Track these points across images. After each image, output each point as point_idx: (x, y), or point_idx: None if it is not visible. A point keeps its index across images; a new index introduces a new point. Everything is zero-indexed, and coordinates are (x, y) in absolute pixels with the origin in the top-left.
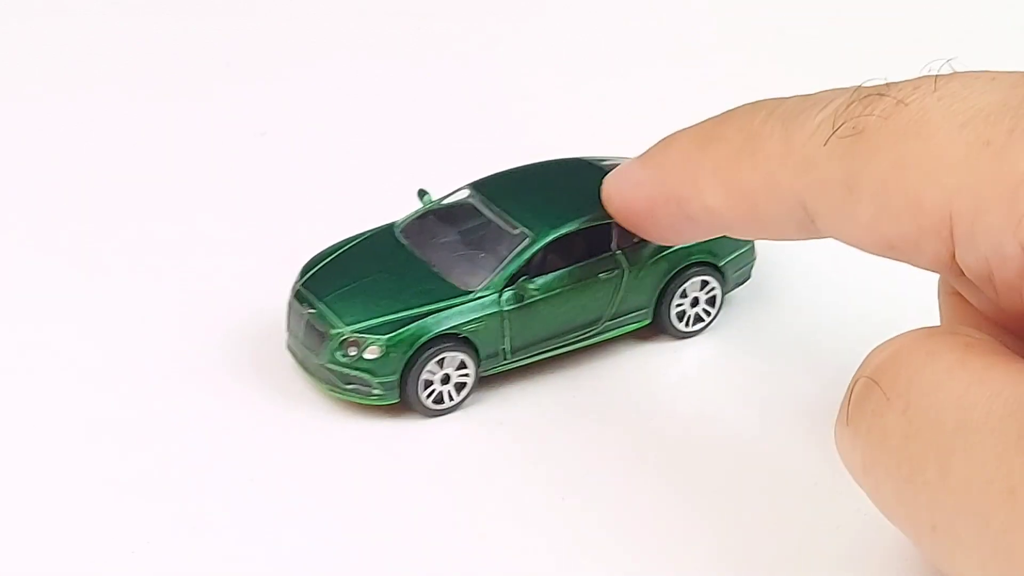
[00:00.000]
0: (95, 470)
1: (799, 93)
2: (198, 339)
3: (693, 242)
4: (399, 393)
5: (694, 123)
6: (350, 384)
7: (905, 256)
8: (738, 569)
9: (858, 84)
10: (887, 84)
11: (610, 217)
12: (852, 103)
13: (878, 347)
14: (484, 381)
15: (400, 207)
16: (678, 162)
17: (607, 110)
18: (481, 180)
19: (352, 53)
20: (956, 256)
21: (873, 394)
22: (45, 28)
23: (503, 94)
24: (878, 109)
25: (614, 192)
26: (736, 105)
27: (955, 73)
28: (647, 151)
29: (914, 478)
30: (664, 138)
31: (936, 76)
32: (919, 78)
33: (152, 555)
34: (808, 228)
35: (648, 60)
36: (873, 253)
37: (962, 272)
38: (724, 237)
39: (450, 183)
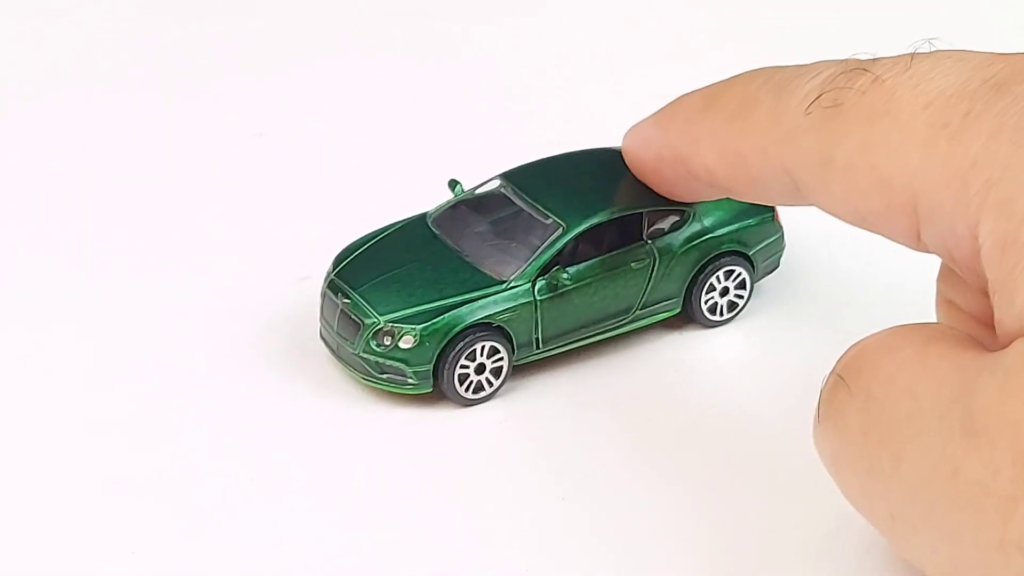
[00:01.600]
0: (96, 470)
1: None
2: (197, 338)
3: (701, 200)
4: (433, 382)
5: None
6: (384, 373)
7: (877, 230)
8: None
9: (848, 56)
10: (872, 59)
11: (641, 206)
12: (838, 75)
13: (851, 346)
14: (515, 371)
15: (399, 206)
16: (683, 122)
17: (607, 110)
18: (512, 170)
19: (350, 53)
20: (920, 235)
21: (840, 391)
22: (44, 28)
23: (502, 94)
24: (858, 84)
25: (629, 147)
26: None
27: (931, 52)
28: (660, 109)
29: (872, 469)
30: (677, 97)
31: (913, 54)
32: (899, 56)
33: (152, 555)
34: (795, 195)
35: (648, 60)
36: (849, 224)
37: (928, 249)
38: (753, 227)
39: (446, 181)
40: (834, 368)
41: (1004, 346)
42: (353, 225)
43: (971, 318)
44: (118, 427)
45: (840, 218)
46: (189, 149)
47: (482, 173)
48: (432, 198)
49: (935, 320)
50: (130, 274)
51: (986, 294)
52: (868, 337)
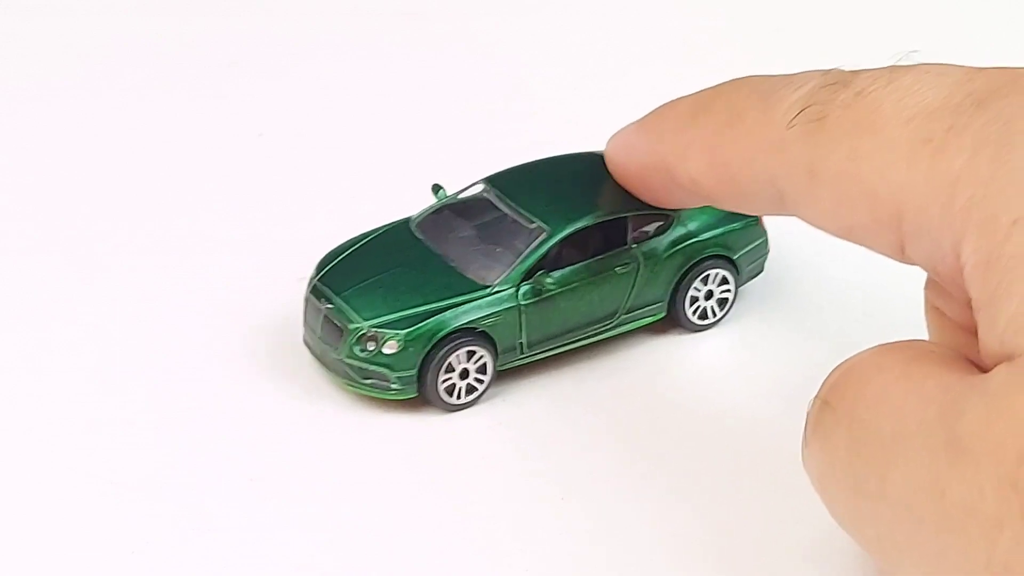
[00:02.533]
0: (96, 470)
1: None
2: (198, 337)
3: (685, 208)
4: (417, 387)
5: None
6: (368, 379)
7: (862, 242)
8: (746, 567)
9: (832, 68)
10: (855, 71)
11: (626, 211)
12: (822, 88)
13: (836, 367)
14: (500, 376)
15: (400, 205)
16: (668, 131)
17: (608, 110)
18: (496, 174)
19: (349, 53)
20: (905, 249)
21: (826, 413)
22: (44, 28)
23: (502, 93)
24: (840, 97)
25: (612, 154)
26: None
27: (914, 65)
28: (646, 116)
29: (859, 490)
30: (662, 105)
31: (893, 68)
32: (881, 68)
33: (152, 555)
34: (779, 206)
35: (648, 60)
36: (834, 236)
37: (913, 262)
38: (738, 231)
39: (447, 182)
40: (819, 391)
41: (988, 364)
42: (353, 225)
43: (958, 326)
44: (118, 427)
45: (825, 230)
46: (189, 149)
47: (483, 173)
48: (432, 198)
49: (920, 325)
50: (130, 274)
51: (972, 307)
52: (853, 357)
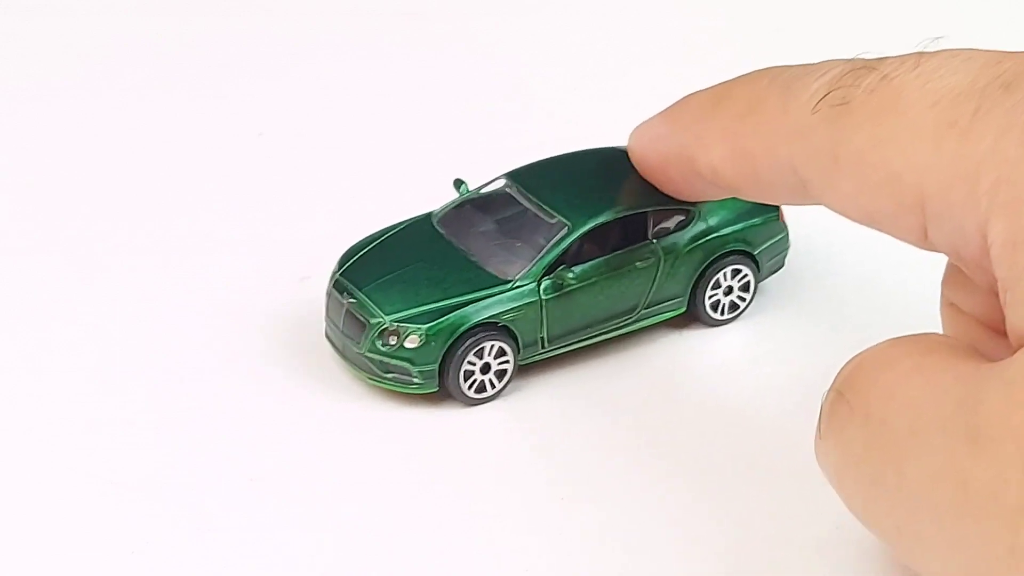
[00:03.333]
0: (96, 470)
1: None
2: (198, 338)
3: (706, 200)
4: (438, 382)
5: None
6: (390, 373)
7: (884, 228)
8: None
9: (855, 56)
10: (880, 58)
11: (646, 206)
12: (846, 74)
13: (849, 360)
14: (521, 370)
15: (400, 205)
16: (690, 121)
17: (609, 109)
18: (517, 170)
19: (350, 52)
20: (928, 233)
21: (840, 407)
22: (44, 28)
23: (502, 93)
24: (865, 82)
25: (635, 146)
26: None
27: (939, 51)
28: (669, 107)
29: (877, 483)
30: (684, 97)
31: (921, 53)
32: (907, 54)
33: (152, 555)
34: (802, 193)
35: (649, 60)
36: (856, 222)
37: (935, 247)
38: (758, 226)
39: (447, 182)
40: (833, 383)
41: (1015, 345)
42: (354, 225)
43: (975, 321)
44: (118, 427)
45: (847, 216)
46: (189, 149)
47: (483, 173)
48: (432, 198)
49: (940, 321)
50: (130, 274)
51: (993, 296)
52: (865, 351)
